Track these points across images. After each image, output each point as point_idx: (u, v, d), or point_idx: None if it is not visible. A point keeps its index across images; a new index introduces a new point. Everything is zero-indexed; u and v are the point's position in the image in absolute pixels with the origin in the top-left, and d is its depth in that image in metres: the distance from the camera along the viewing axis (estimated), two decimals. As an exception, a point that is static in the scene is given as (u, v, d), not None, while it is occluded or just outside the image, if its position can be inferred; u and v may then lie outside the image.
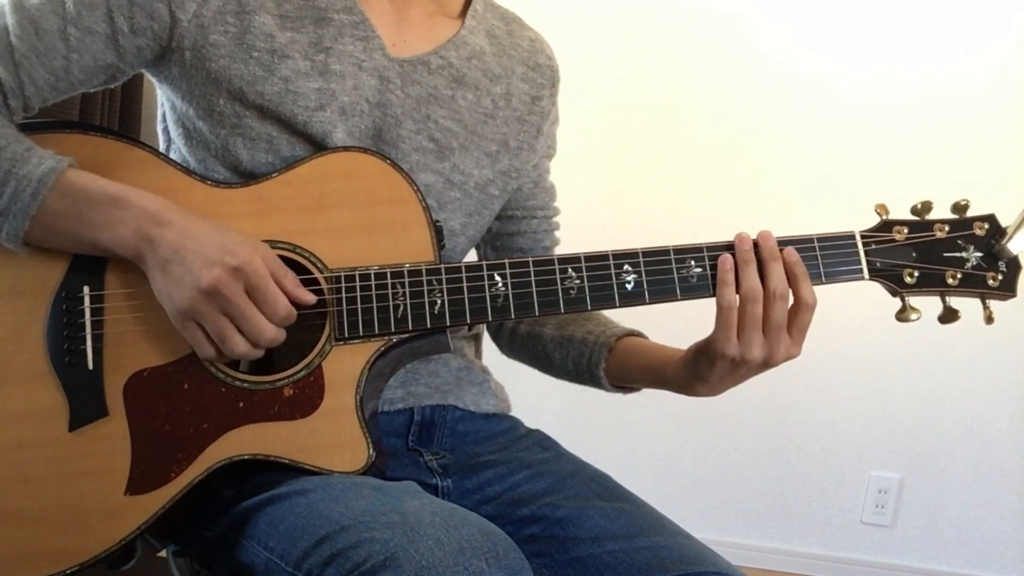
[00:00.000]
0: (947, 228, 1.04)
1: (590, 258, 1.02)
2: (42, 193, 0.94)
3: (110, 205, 0.95)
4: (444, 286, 1.00)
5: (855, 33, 2.55)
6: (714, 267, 1.02)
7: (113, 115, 2.35)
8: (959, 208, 1.05)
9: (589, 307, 1.02)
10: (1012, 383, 2.65)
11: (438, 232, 1.03)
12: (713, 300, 1.02)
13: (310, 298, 0.98)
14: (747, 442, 2.73)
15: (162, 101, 1.14)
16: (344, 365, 0.99)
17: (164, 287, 0.94)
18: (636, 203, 2.62)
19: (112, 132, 1.04)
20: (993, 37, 2.52)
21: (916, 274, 1.03)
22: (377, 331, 1.00)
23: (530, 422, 1.27)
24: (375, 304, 1.00)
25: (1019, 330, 2.54)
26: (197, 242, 0.93)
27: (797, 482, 2.74)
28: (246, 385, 0.98)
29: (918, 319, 1.03)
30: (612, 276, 1.02)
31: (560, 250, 1.26)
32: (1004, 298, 1.04)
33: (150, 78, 1.11)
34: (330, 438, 0.98)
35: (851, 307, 2.36)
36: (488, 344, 1.35)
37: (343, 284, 1.00)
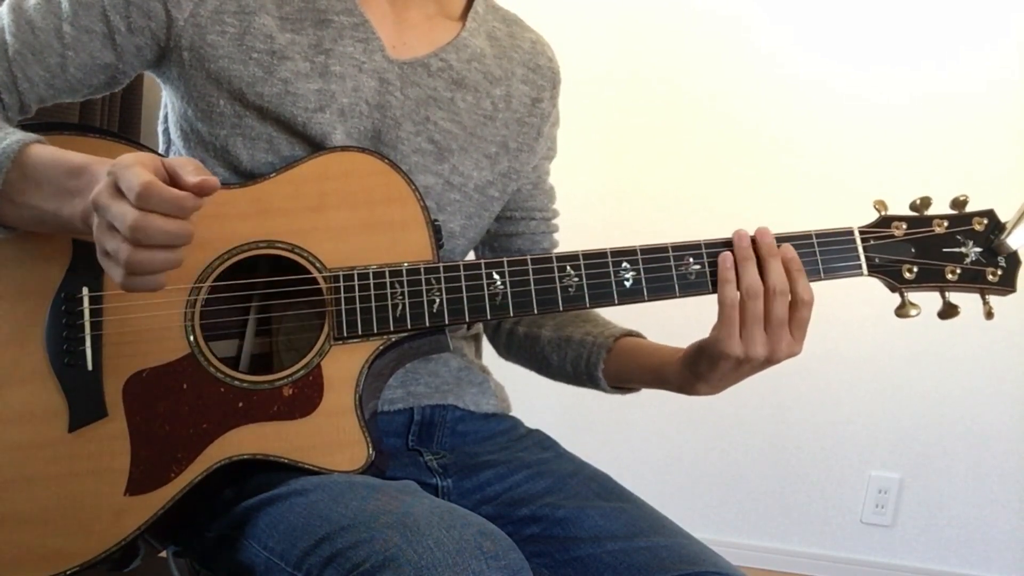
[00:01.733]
0: (946, 223, 1.04)
1: (588, 256, 1.02)
2: (5, 166, 0.91)
3: (68, 176, 0.90)
4: (442, 285, 1.00)
5: (855, 34, 2.55)
6: (713, 264, 1.02)
7: (113, 116, 2.35)
8: (958, 203, 1.05)
9: (588, 305, 1.02)
10: (1012, 383, 2.65)
11: (437, 231, 1.03)
12: (712, 297, 1.02)
13: (213, 181, 0.85)
14: (747, 442, 2.73)
15: (165, 102, 1.14)
16: (343, 364, 0.99)
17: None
18: (636, 204, 2.62)
19: (111, 133, 1.04)
20: (993, 38, 2.52)
21: (915, 270, 1.03)
22: (376, 330, 1.00)
23: (530, 422, 1.27)
24: (374, 304, 1.00)
25: (1019, 330, 2.54)
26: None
27: (797, 482, 2.74)
28: (245, 385, 0.98)
29: (917, 315, 1.03)
30: (611, 274, 1.02)
31: (558, 250, 1.26)
32: (1004, 293, 1.04)
33: (156, 80, 1.11)
34: (329, 438, 0.98)
35: (851, 307, 2.37)
36: (488, 344, 1.35)
37: (342, 283, 1.00)
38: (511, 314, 1.01)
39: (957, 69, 2.54)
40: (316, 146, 1.06)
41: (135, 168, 0.82)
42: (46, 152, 0.93)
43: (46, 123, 1.02)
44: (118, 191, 0.82)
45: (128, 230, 0.81)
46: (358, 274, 1.00)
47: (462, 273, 1.01)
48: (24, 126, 1.01)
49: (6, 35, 0.99)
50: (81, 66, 1.02)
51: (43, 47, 0.99)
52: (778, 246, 1.01)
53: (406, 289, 1.00)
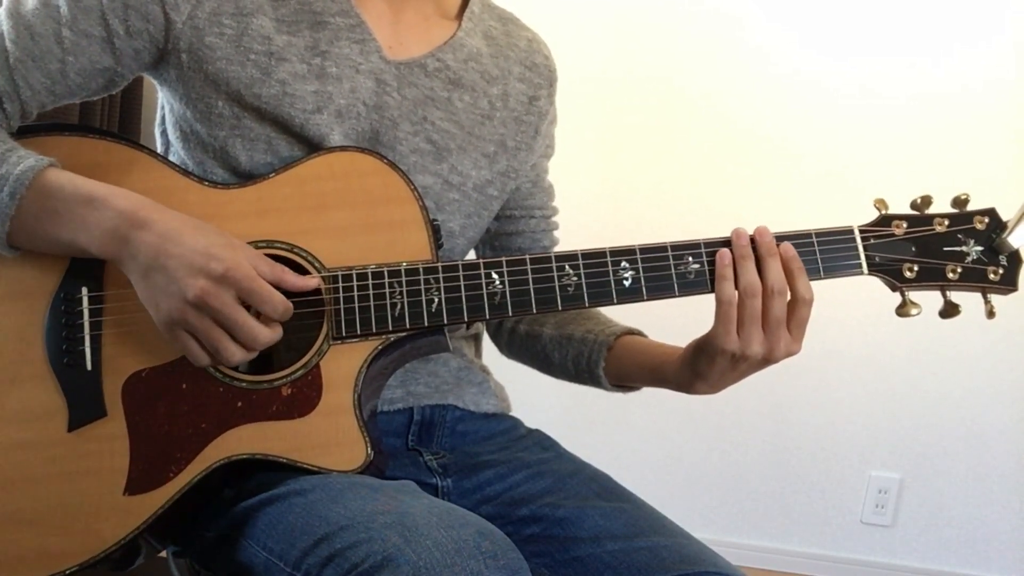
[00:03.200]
0: (947, 222, 1.04)
1: (587, 255, 1.02)
2: (19, 192, 0.92)
3: (85, 205, 0.93)
4: (441, 284, 1.00)
5: (850, 32, 2.55)
6: (712, 263, 1.01)
7: (112, 117, 2.35)
8: (959, 202, 1.04)
9: (587, 304, 1.02)
10: (1012, 383, 2.65)
11: (436, 231, 1.03)
12: (712, 297, 1.02)
13: (314, 282, 0.98)
14: (747, 442, 2.73)
15: (163, 103, 1.14)
16: (342, 364, 0.99)
17: (148, 295, 0.93)
18: (632, 203, 2.62)
19: (110, 134, 1.04)
20: (988, 36, 2.52)
21: (916, 268, 1.03)
22: (374, 330, 0.99)
23: (530, 422, 1.27)
24: (372, 303, 1.00)
25: (1019, 330, 2.54)
26: (178, 246, 0.91)
27: (797, 482, 2.74)
28: (244, 385, 0.98)
29: (918, 314, 1.03)
30: (610, 273, 1.01)
31: (557, 249, 1.26)
32: (1005, 292, 1.04)
33: (152, 81, 1.11)
34: (328, 437, 0.98)
35: (851, 306, 2.37)
36: (488, 344, 1.35)
37: (340, 283, 1.00)
38: (510, 314, 1.01)
39: (953, 67, 2.54)
40: (314, 147, 1.06)
41: (266, 284, 0.93)
42: (61, 178, 0.95)
43: (46, 124, 1.02)
44: (236, 295, 0.92)
45: (261, 345, 0.94)
46: (357, 274, 1.00)
47: (460, 273, 1.01)
48: (25, 128, 1.01)
49: (6, 42, 0.98)
50: (81, 71, 1.01)
51: (43, 53, 0.99)
52: (778, 245, 1.01)
53: (405, 289, 1.00)
